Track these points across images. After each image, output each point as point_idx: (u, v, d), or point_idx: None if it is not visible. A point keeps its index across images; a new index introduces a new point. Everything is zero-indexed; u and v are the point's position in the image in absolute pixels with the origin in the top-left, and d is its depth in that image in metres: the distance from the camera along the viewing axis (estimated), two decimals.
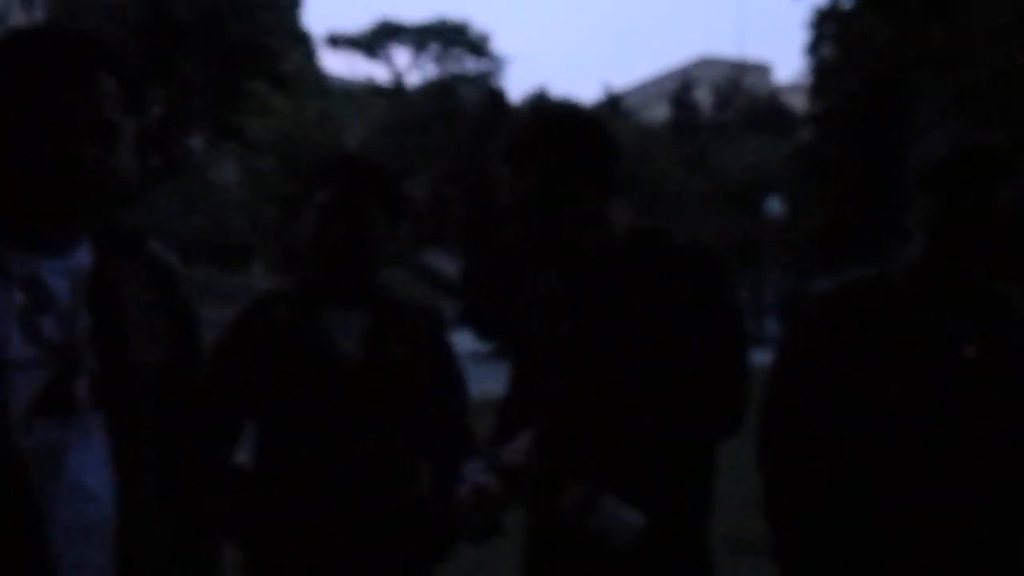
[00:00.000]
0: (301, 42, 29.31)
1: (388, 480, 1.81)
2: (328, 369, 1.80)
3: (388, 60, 39.26)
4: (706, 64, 47.16)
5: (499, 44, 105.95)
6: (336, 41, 38.63)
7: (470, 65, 37.31)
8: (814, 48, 22.56)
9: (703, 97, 37.05)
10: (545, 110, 1.82)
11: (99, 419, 1.37)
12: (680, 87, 36.70)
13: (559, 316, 1.72)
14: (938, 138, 1.62)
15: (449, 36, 37.55)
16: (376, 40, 38.43)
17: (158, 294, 1.50)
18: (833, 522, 1.65)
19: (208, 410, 1.64)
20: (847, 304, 1.66)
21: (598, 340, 1.63)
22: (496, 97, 23.78)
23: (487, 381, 3.61)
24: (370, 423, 1.80)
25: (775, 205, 21.69)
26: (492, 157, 21.47)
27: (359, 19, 50.82)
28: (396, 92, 34.71)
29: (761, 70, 49.50)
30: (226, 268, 19.31)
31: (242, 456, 1.84)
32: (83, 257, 1.41)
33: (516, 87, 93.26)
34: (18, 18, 20.88)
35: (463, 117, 24.17)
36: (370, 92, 32.56)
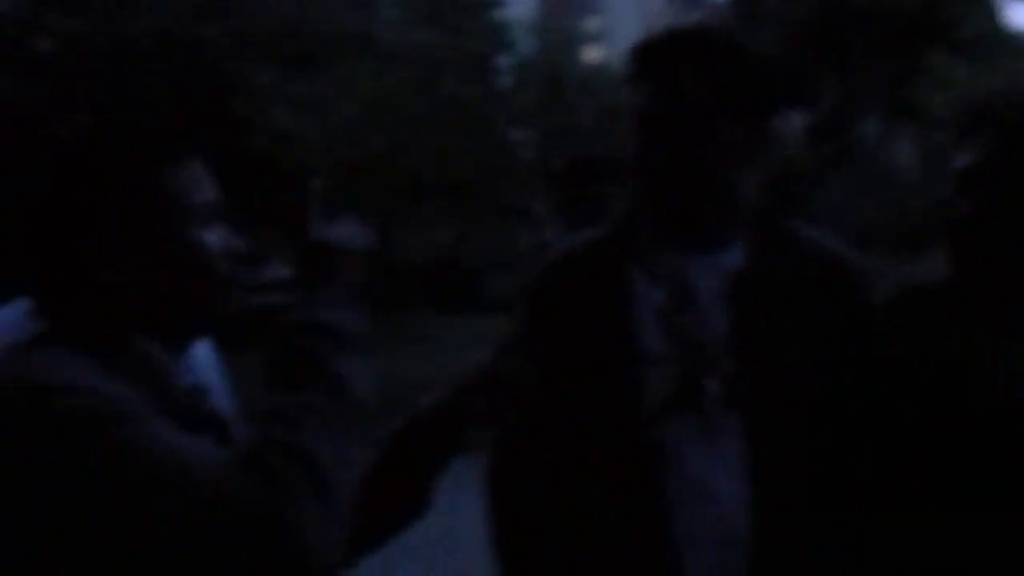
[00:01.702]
0: (984, 3, 26.61)
1: None
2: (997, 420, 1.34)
3: None
4: None
5: None
6: None
7: None
8: None
9: None
10: None
11: (732, 421, 1.33)
12: None
13: None
14: None
15: None
16: None
17: (820, 290, 1.41)
18: None
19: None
20: None
21: None
22: None
23: None
24: None
25: None
26: None
27: None
28: None
29: None
30: (902, 255, 18.35)
31: None
32: (734, 255, 1.39)
33: None
34: None
35: None
36: None
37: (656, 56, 1.39)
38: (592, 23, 34.24)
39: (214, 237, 1.11)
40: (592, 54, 28.58)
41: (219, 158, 1.13)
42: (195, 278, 1.08)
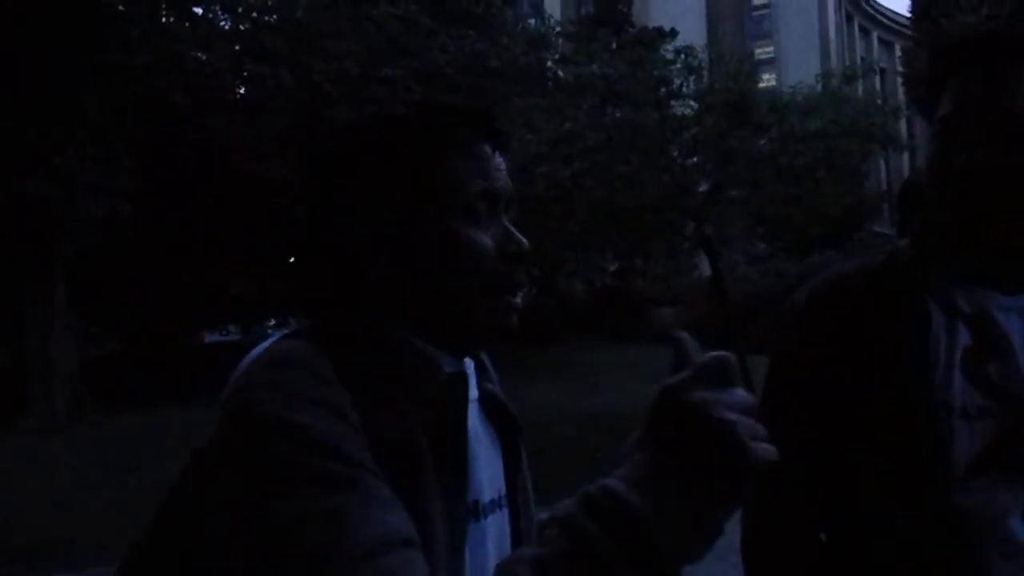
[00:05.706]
0: None
1: None
2: None
3: None
4: None
5: None
6: None
7: None
8: None
9: None
10: None
11: None
12: None
13: None
14: None
15: None
16: None
17: None
18: None
19: None
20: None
21: None
22: None
23: None
24: None
25: None
26: None
27: None
28: None
29: None
30: None
31: None
32: None
33: None
34: None
35: None
36: None
37: (962, 58, 1.23)
38: (764, 49, 33.61)
39: (485, 235, 1.00)
40: (764, 80, 28.00)
41: None
42: (456, 277, 0.97)
